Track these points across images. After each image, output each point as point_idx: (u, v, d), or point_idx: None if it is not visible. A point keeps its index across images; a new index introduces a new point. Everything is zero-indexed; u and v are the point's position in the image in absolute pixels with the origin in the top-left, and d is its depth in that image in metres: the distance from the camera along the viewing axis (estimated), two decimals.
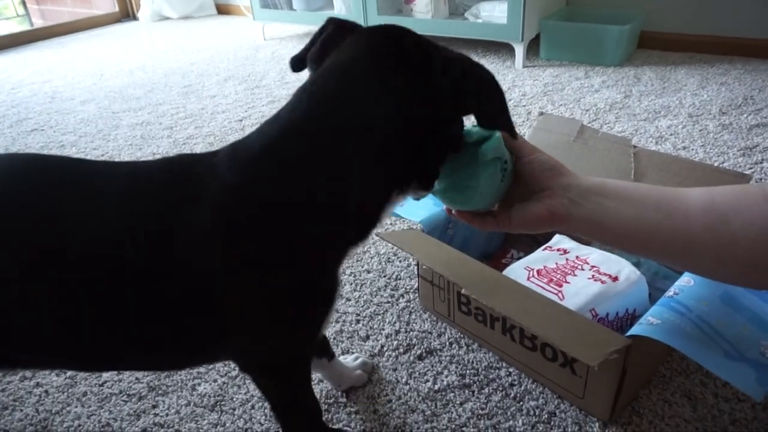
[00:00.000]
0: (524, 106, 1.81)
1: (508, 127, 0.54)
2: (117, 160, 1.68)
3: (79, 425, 0.80)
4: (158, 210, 0.51)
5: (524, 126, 1.64)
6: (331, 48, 0.55)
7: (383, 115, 0.52)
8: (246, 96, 2.13)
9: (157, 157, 1.67)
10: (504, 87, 1.93)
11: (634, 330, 0.67)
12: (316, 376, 0.84)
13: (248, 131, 1.78)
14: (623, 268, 0.84)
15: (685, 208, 0.52)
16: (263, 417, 0.79)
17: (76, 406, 0.83)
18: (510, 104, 1.82)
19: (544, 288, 0.83)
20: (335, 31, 0.57)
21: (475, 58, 2.11)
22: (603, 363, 0.63)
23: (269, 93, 2.13)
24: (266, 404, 0.80)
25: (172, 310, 0.51)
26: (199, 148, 1.70)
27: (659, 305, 0.71)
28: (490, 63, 2.26)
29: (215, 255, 0.50)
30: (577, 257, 0.89)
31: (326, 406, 0.79)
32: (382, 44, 0.54)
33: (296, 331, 0.58)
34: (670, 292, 0.73)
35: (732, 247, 0.50)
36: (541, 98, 1.86)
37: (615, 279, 0.82)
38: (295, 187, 0.50)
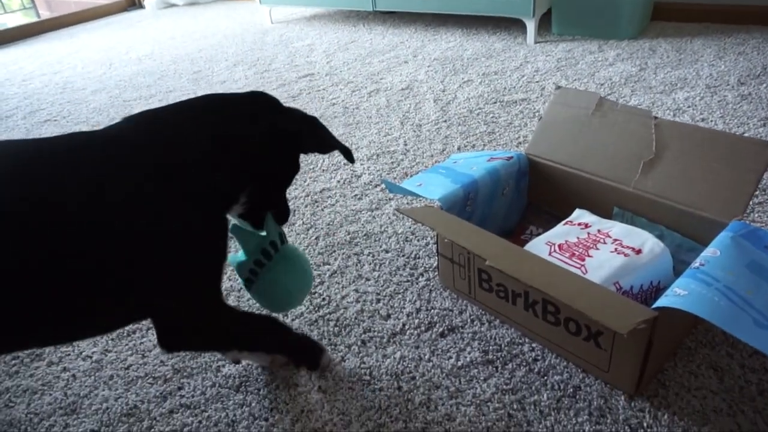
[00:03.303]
0: (537, 81, 1.78)
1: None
2: None
3: (107, 408, 0.81)
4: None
5: (538, 102, 1.62)
6: None
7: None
8: (256, 80, 2.12)
9: None
10: (516, 63, 1.92)
11: (661, 302, 0.66)
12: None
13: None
14: (646, 240, 0.83)
15: None
16: (288, 397, 0.79)
17: (103, 390, 0.84)
18: (523, 80, 1.80)
19: (566, 262, 0.82)
20: None
21: (486, 35, 2.07)
22: (629, 335, 0.62)
23: (279, 76, 2.12)
24: (290, 387, 0.81)
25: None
26: None
27: (685, 277, 0.70)
28: (500, 40, 2.23)
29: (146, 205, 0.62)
30: (598, 231, 0.88)
31: (350, 384, 0.80)
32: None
33: (195, 272, 0.68)
34: (696, 264, 0.72)
35: None
36: (555, 73, 1.83)
37: (638, 252, 0.81)
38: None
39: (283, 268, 0.80)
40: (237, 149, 0.70)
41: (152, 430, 0.77)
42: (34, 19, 3.60)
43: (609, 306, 0.66)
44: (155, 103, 2.01)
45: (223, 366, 0.85)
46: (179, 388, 0.83)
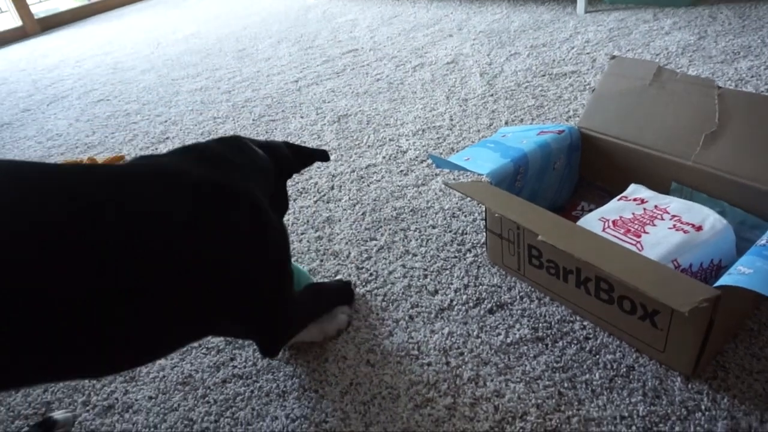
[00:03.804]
0: (588, 53, 1.72)
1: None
2: (180, 125, 1.72)
3: (164, 376, 0.84)
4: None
5: (589, 74, 1.57)
6: None
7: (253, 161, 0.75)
8: (300, 57, 2.12)
9: (218, 120, 1.69)
10: (565, 34, 1.86)
11: (724, 280, 0.63)
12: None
13: (304, 92, 1.76)
14: (707, 216, 0.79)
15: None
16: (337, 370, 0.80)
17: (159, 359, 0.87)
18: (573, 51, 1.74)
19: (620, 239, 0.80)
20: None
21: (533, 6, 2.00)
22: (689, 313, 0.60)
23: (323, 53, 2.11)
24: (339, 359, 0.82)
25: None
26: (258, 111, 1.71)
27: (750, 254, 0.67)
28: (549, 10, 2.15)
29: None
30: (655, 207, 0.84)
31: (399, 359, 0.80)
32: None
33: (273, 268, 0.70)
34: (762, 241, 0.69)
35: None
36: (607, 44, 1.76)
37: (699, 228, 0.78)
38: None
39: (299, 275, 0.88)
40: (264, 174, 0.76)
41: (206, 398, 0.80)
42: (85, 2, 3.69)
43: (668, 284, 0.64)
44: (202, 81, 2.04)
45: None
46: (231, 359, 0.85)
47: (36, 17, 3.35)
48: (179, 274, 0.57)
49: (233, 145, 0.74)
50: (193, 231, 0.58)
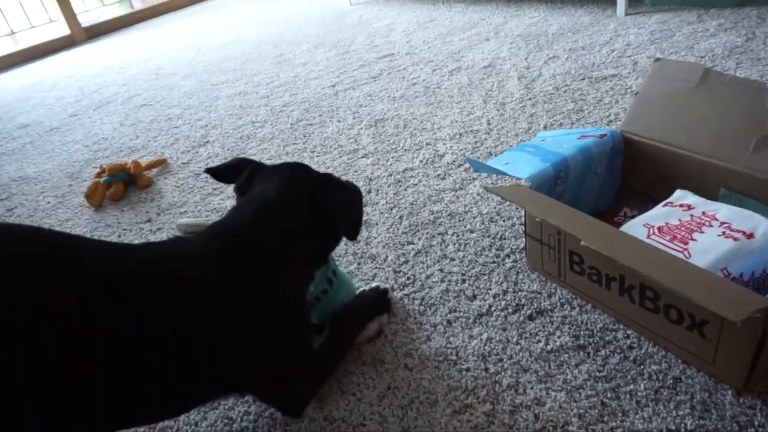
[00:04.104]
0: (629, 56, 1.68)
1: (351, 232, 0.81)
2: (220, 129, 1.75)
3: None
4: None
5: (630, 77, 1.53)
6: (251, 181, 0.80)
7: (297, 219, 0.77)
8: (337, 62, 2.14)
9: (257, 124, 1.71)
10: (605, 37, 1.82)
11: None
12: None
13: (341, 96, 1.77)
14: (759, 224, 0.77)
15: None
16: (375, 373, 0.80)
17: None
18: (613, 55, 1.70)
19: (666, 246, 0.77)
20: (251, 171, 0.82)
21: (572, 9, 1.96)
22: (741, 324, 0.58)
23: (359, 57, 2.13)
24: (377, 363, 0.82)
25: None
26: (296, 115, 1.74)
27: None
28: (588, 13, 2.12)
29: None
30: (703, 213, 0.82)
31: (436, 363, 0.80)
32: (290, 177, 0.79)
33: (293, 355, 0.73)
34: None
35: None
36: (648, 47, 1.72)
37: (750, 236, 0.75)
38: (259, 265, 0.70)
39: (346, 289, 0.88)
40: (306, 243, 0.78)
41: (246, 397, 0.81)
42: (129, 11, 3.81)
43: (718, 292, 0.62)
44: (241, 86, 2.07)
45: None
46: None
47: (83, 26, 3.47)
48: (187, 359, 0.63)
49: (277, 211, 0.75)
50: (200, 324, 0.63)
